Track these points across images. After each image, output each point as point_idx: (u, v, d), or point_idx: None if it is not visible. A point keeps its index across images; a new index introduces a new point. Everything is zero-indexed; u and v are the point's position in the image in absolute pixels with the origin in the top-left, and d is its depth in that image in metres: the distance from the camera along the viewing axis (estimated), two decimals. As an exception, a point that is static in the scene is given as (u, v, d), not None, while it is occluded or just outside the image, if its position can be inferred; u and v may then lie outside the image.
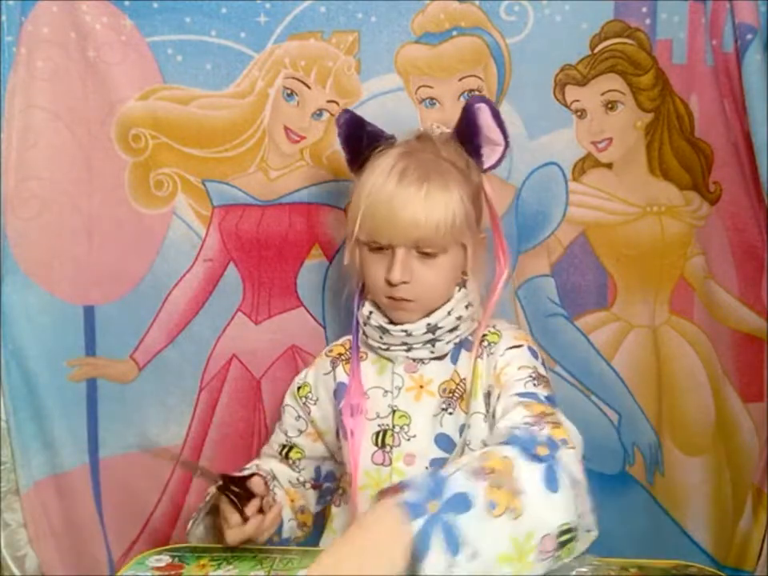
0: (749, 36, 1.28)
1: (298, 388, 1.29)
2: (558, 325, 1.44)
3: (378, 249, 1.15)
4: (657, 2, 1.36)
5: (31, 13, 1.41)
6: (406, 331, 1.17)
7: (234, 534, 1.07)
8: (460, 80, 1.41)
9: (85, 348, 1.51)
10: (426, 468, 1.16)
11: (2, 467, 1.46)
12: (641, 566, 1.03)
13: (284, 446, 1.29)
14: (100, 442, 1.53)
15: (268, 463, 1.28)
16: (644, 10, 1.37)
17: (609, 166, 1.42)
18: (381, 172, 1.13)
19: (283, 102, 1.45)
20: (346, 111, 1.24)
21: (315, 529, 1.30)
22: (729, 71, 1.32)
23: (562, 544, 0.87)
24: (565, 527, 0.87)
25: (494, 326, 1.21)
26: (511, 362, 1.13)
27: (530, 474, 0.88)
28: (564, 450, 0.92)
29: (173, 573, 1.07)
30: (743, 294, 1.38)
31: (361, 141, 1.20)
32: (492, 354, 1.17)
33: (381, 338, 1.20)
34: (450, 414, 1.17)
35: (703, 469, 1.43)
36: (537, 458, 0.89)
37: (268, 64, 1.44)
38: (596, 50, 1.38)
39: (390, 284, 1.14)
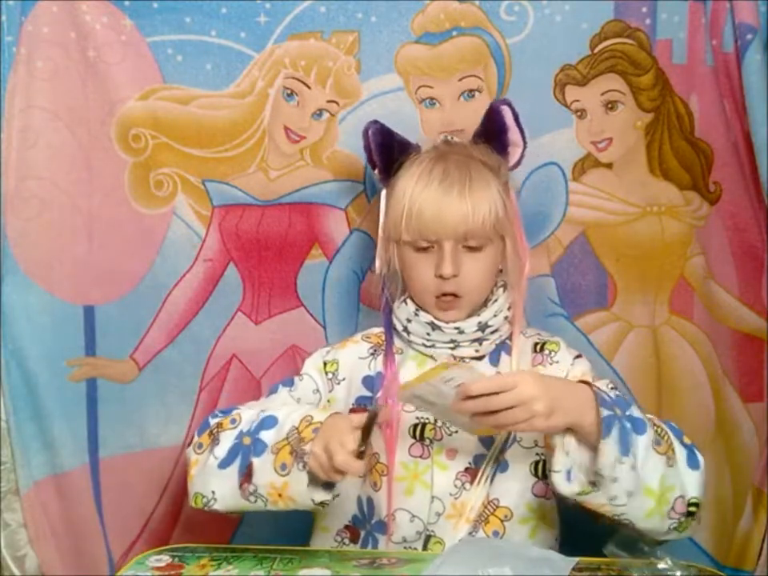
0: (749, 36, 1.28)
1: (325, 363, 1.27)
2: (558, 325, 1.44)
3: (424, 248, 1.19)
4: (657, 2, 1.36)
5: (31, 13, 1.41)
6: (458, 328, 1.21)
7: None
8: (460, 80, 1.42)
9: (85, 348, 1.51)
10: (469, 464, 1.18)
11: (2, 467, 1.46)
12: (641, 566, 1.03)
13: None
14: (100, 442, 1.53)
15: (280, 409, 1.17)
16: (644, 10, 1.36)
17: (609, 166, 1.42)
18: (421, 175, 1.19)
19: (283, 102, 1.45)
20: (375, 122, 1.26)
21: (302, 526, 1.28)
22: (729, 71, 1.32)
23: (688, 514, 1.07)
24: (694, 500, 1.07)
25: (538, 334, 1.28)
26: (586, 372, 1.22)
27: (678, 448, 1.08)
28: (701, 453, 1.10)
29: (173, 573, 1.07)
30: (743, 294, 1.38)
31: (392, 150, 1.24)
32: (557, 362, 1.23)
33: (428, 334, 1.22)
34: None
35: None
36: (683, 443, 1.10)
37: (268, 64, 1.44)
38: (596, 50, 1.38)
39: (441, 278, 1.18)
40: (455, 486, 1.18)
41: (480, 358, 1.23)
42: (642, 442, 1.03)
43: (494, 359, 1.24)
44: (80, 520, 1.52)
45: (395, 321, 1.26)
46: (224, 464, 1.11)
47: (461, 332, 1.21)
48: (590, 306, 1.46)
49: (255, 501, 1.10)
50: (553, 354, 1.24)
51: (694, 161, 1.39)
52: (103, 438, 1.52)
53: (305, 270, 1.49)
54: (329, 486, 1.09)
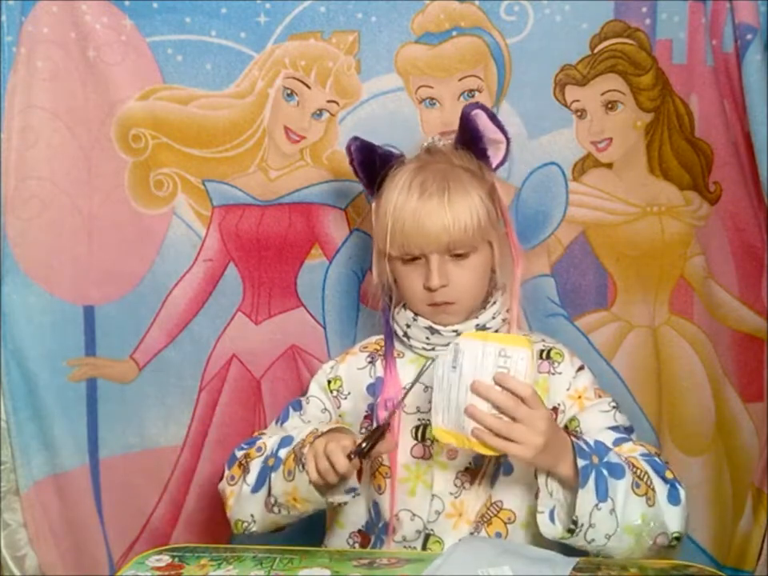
0: (749, 36, 1.28)
1: (328, 381, 1.28)
2: (558, 325, 1.44)
3: (411, 260, 1.19)
4: (657, 2, 1.36)
5: (31, 13, 1.41)
6: (456, 331, 1.20)
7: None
8: (460, 80, 1.41)
9: (85, 348, 1.51)
10: (469, 464, 1.18)
11: (2, 467, 1.46)
12: (641, 566, 1.04)
13: None
14: (100, 442, 1.53)
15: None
16: (644, 10, 1.36)
17: (609, 165, 1.42)
18: (401, 188, 1.18)
19: (283, 102, 1.45)
20: (355, 138, 1.27)
21: (318, 527, 1.29)
22: (729, 71, 1.32)
23: (670, 547, 1.09)
24: (676, 535, 1.09)
25: (543, 340, 1.26)
26: (588, 387, 1.22)
27: (658, 486, 1.10)
28: (682, 486, 1.12)
29: (173, 573, 1.07)
30: (743, 294, 1.38)
31: (374, 164, 1.24)
32: (560, 373, 1.22)
33: (427, 338, 1.23)
34: None
35: (703, 469, 1.43)
36: (664, 479, 1.11)
37: (268, 64, 1.44)
38: (596, 50, 1.38)
39: (429, 290, 1.18)
40: (455, 485, 1.18)
41: None
42: (621, 486, 1.05)
43: None
44: (80, 520, 1.52)
45: (395, 326, 1.26)
46: (256, 488, 1.18)
47: (459, 335, 1.19)
48: (590, 306, 1.46)
49: (279, 511, 1.15)
50: (557, 364, 1.23)
51: (693, 161, 1.39)
52: (103, 438, 1.53)
53: (305, 270, 1.49)
54: (351, 490, 1.13)
